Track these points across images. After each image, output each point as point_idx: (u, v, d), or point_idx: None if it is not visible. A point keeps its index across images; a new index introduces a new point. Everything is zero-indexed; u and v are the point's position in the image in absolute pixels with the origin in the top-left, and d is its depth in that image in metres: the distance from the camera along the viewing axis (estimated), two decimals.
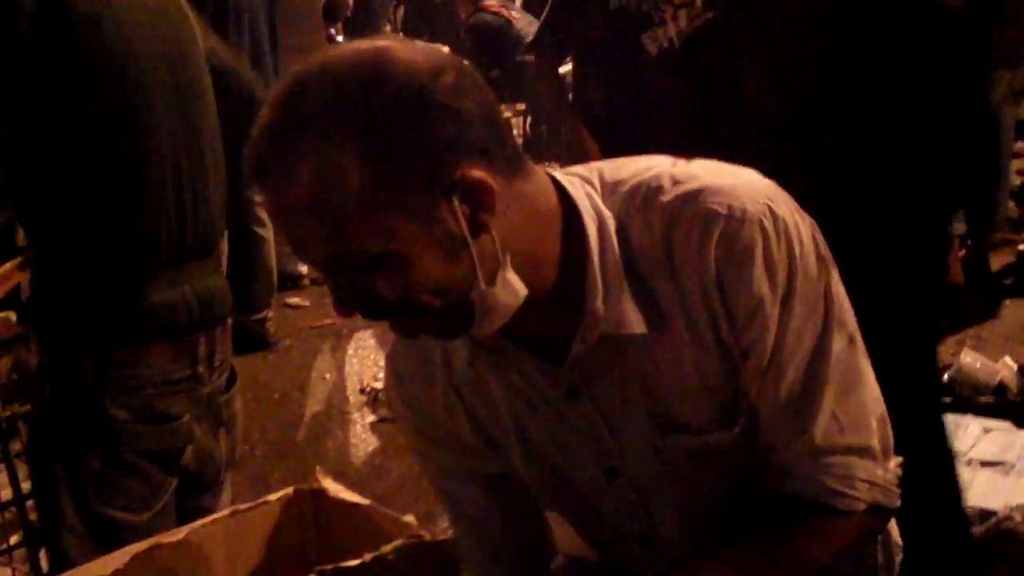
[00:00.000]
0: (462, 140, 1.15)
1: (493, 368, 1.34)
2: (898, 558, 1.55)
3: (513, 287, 1.21)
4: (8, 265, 2.34)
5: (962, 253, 5.09)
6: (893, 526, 1.53)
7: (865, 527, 1.35)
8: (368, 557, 1.57)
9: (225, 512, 1.76)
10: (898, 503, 1.35)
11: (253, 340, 5.07)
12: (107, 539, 1.92)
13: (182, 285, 1.97)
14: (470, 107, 1.15)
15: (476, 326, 1.22)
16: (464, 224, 1.15)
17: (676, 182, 1.26)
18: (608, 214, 1.26)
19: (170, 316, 1.95)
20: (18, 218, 2.00)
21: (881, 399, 1.35)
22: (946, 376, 3.81)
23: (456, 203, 1.14)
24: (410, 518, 1.74)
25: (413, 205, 1.13)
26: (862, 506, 1.31)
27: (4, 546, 2.64)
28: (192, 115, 2.01)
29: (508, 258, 1.19)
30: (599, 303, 1.24)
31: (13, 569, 2.69)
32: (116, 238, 1.91)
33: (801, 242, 1.25)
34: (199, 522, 1.73)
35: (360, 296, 1.19)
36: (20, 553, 2.60)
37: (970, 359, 3.91)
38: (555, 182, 1.27)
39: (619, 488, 1.38)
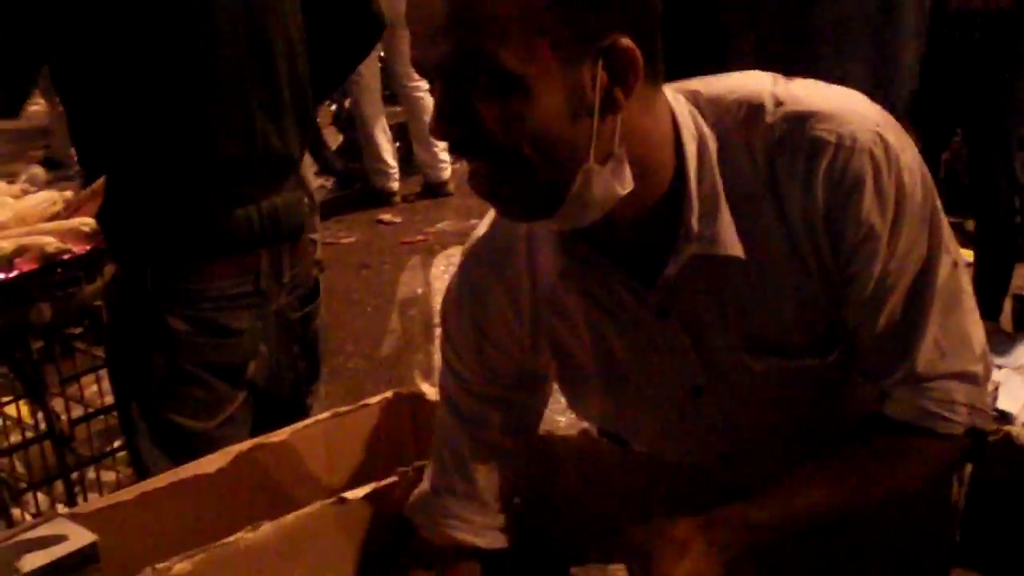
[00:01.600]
0: (637, 15, 1.12)
1: (581, 282, 1.31)
2: (969, 471, 1.54)
3: (622, 177, 1.16)
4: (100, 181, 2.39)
5: None
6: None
7: (962, 450, 1.33)
8: None
9: (326, 415, 1.77)
10: (994, 426, 1.33)
11: None
12: (174, 445, 1.99)
13: (246, 203, 1.98)
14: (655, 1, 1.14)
15: (566, 210, 1.16)
16: (599, 93, 1.11)
17: (779, 103, 1.23)
18: (709, 134, 1.22)
19: (228, 233, 1.97)
20: (81, 133, 2.02)
21: (982, 326, 1.32)
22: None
23: (600, 67, 1.10)
24: None
25: (566, 43, 1.08)
26: (960, 430, 1.29)
27: (108, 449, 2.72)
28: (264, 39, 1.99)
29: (624, 151, 1.15)
30: (694, 222, 1.21)
31: (117, 472, 2.77)
32: (176, 155, 1.92)
33: (911, 169, 1.22)
34: (300, 424, 1.74)
35: (463, 118, 1.11)
36: (123, 456, 2.68)
37: None
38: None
39: (703, 407, 1.37)
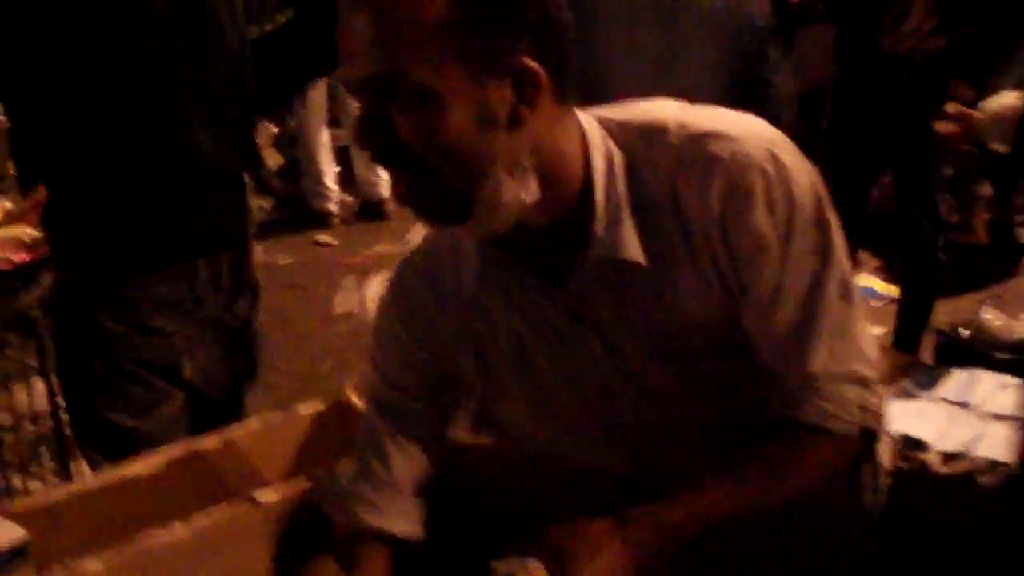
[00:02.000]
0: (542, 36, 1.21)
1: (500, 286, 1.40)
2: (885, 481, 1.62)
3: (528, 187, 1.25)
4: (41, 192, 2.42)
5: (987, 216, 5.12)
6: (881, 449, 1.59)
7: (857, 449, 1.41)
8: None
9: (257, 422, 1.82)
10: (882, 427, 1.43)
11: None
12: (114, 445, 2.03)
13: (182, 213, 2.03)
14: (564, 18, 1.23)
15: (477, 217, 1.25)
16: (506, 108, 1.20)
17: (682, 125, 1.32)
18: (617, 152, 1.32)
19: (164, 242, 2.03)
20: (20, 142, 2.07)
21: (872, 334, 1.41)
22: (966, 333, 3.85)
23: (507, 85, 1.19)
24: None
25: (474, 62, 1.17)
26: (855, 430, 1.38)
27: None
28: (201, 49, 2.04)
29: (531, 163, 1.24)
30: (599, 229, 1.30)
31: (43, 481, 2.78)
32: (111, 165, 1.98)
33: (801, 185, 1.31)
34: (232, 429, 1.79)
35: (381, 129, 1.20)
36: (51, 466, 2.69)
37: (990, 316, 3.94)
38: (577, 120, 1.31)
39: (614, 410, 1.44)
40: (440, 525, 1.54)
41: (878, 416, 1.41)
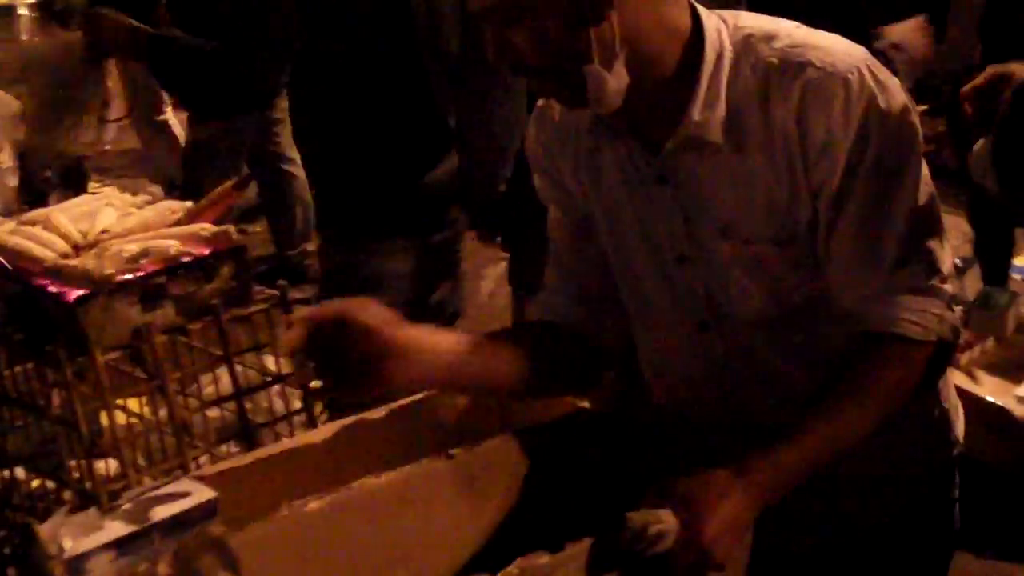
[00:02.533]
0: None
1: (608, 141, 1.64)
2: (956, 450, 1.67)
3: (619, 73, 1.47)
4: (223, 187, 2.59)
5: None
6: (953, 396, 1.74)
7: (934, 359, 1.52)
8: None
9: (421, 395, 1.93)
10: (961, 343, 1.51)
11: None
12: None
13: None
14: None
15: (592, 102, 1.51)
16: (587, 7, 1.41)
17: (790, 35, 1.52)
18: (729, 48, 1.54)
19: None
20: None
21: (950, 253, 1.54)
22: None
23: None
24: None
25: None
26: (933, 337, 1.46)
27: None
28: None
29: (624, 51, 1.46)
30: (696, 112, 1.53)
31: None
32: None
33: (884, 102, 1.46)
34: (398, 403, 1.91)
35: (504, 49, 1.49)
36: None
37: None
38: (696, 11, 1.57)
39: (687, 274, 1.63)
40: (579, 483, 1.65)
41: (954, 328, 1.49)
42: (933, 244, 1.51)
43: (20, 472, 2.61)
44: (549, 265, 1.81)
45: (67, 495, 2.47)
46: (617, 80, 1.48)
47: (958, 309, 1.54)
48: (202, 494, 1.67)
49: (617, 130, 1.62)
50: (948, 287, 1.51)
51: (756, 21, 1.57)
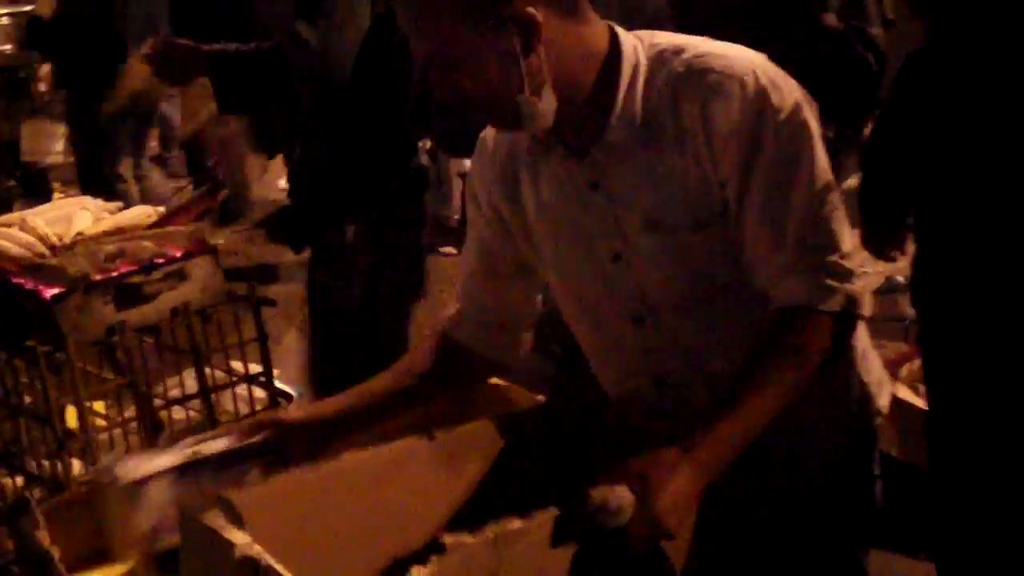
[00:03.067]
0: None
1: (544, 156, 1.81)
2: (877, 420, 1.91)
3: (548, 98, 1.67)
4: (197, 192, 2.65)
5: None
6: (877, 371, 1.93)
7: (840, 327, 1.68)
8: None
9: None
10: (865, 315, 1.70)
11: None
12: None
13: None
14: None
15: (526, 126, 1.71)
16: (517, 45, 1.60)
17: (695, 47, 1.73)
18: (644, 63, 1.74)
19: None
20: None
21: (850, 232, 1.70)
22: None
23: (514, 32, 1.63)
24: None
25: (478, 24, 1.63)
26: (837, 307, 1.65)
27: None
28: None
29: (551, 77, 1.65)
30: (615, 120, 1.72)
31: None
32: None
33: (780, 100, 1.65)
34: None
35: (447, 88, 1.69)
36: None
37: None
38: (614, 32, 1.74)
39: (621, 271, 1.78)
40: (545, 463, 1.77)
41: (852, 298, 1.67)
42: (833, 225, 1.68)
43: None
44: (459, 289, 2.05)
45: (36, 492, 2.49)
46: (547, 103, 1.68)
47: (858, 283, 1.68)
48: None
49: (550, 146, 1.79)
50: (847, 263, 1.67)
51: (668, 38, 1.76)
